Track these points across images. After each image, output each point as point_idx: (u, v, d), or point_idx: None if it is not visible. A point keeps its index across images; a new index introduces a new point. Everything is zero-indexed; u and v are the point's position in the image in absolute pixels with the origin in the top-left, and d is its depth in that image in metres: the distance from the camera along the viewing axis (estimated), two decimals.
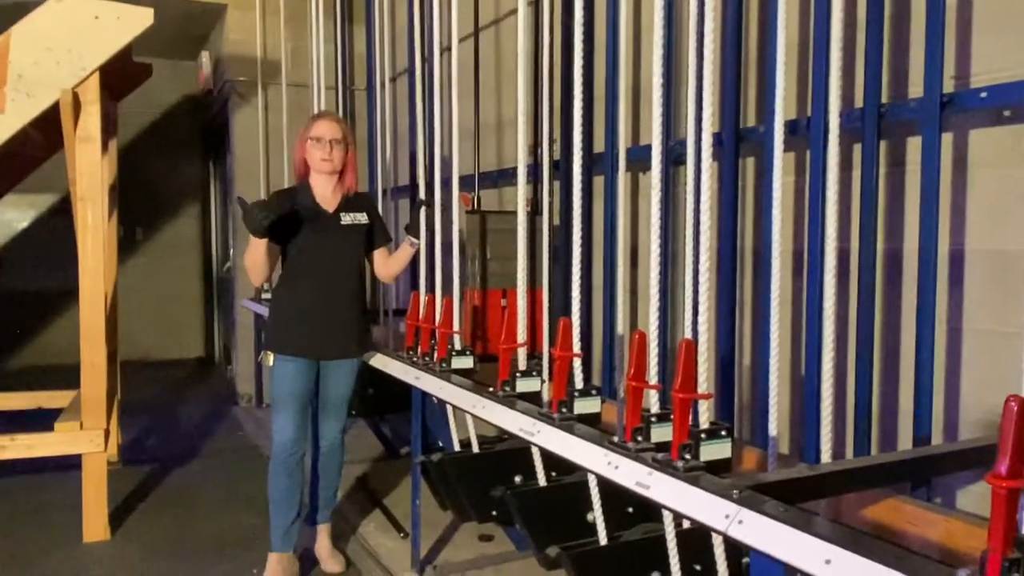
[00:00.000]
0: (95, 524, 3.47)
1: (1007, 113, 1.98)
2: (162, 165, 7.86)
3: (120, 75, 4.10)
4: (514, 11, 2.48)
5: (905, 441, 2.20)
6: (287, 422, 2.93)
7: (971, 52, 2.07)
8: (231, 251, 6.59)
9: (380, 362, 3.11)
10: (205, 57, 6.70)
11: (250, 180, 5.95)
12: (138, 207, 7.58)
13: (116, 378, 4.39)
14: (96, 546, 3.42)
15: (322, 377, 3.05)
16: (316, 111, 4.66)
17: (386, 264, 3.13)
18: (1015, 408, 1.09)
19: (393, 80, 4.91)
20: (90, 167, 3.53)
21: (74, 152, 3.52)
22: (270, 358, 2.96)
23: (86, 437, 3.48)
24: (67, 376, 4.18)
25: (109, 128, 4.32)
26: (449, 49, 2.82)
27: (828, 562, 1.22)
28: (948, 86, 2.06)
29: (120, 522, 3.65)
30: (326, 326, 2.96)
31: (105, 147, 3.86)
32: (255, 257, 2.79)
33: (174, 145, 7.91)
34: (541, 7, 3.31)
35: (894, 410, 2.26)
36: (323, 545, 3.18)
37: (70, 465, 3.65)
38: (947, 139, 2.09)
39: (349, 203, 3.02)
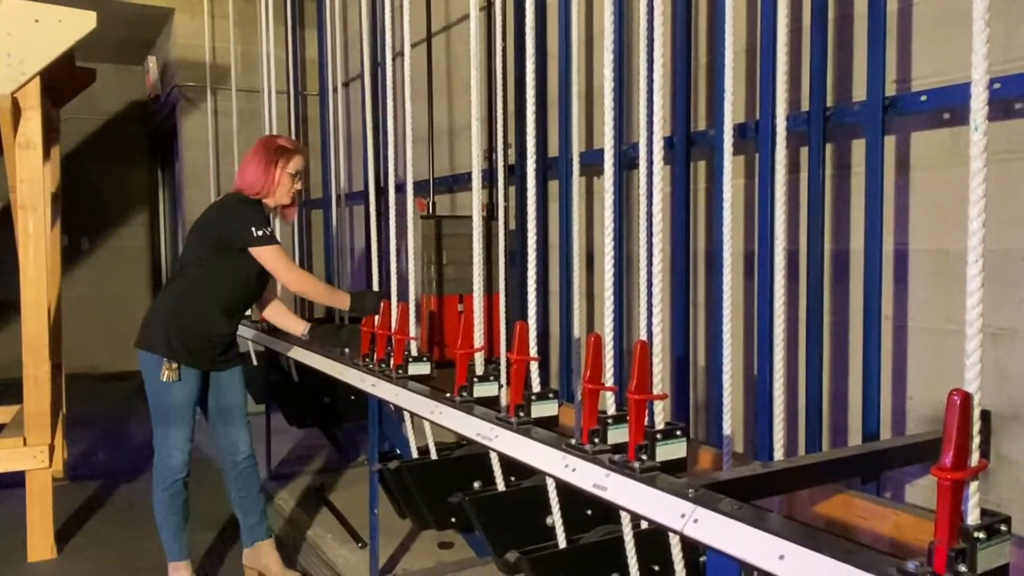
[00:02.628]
0: (40, 542, 3.37)
1: (947, 115, 2.04)
2: (108, 172, 7.67)
3: (62, 80, 3.99)
4: (466, 16, 2.48)
5: (855, 437, 2.25)
6: (182, 440, 2.81)
7: (912, 56, 2.13)
8: None
9: (336, 370, 3.07)
10: (152, 62, 6.56)
11: (199, 187, 5.84)
12: (83, 216, 7.38)
13: (61, 391, 4.26)
14: (42, 565, 3.32)
15: (217, 388, 2.95)
16: (269, 118, 4.61)
17: (275, 308, 3.16)
18: (958, 401, 1.12)
19: (346, 85, 4.88)
20: (31, 174, 3.42)
21: (14, 159, 3.42)
22: (176, 372, 2.76)
23: (29, 453, 3.37)
24: (9, 390, 4.04)
25: (51, 134, 4.21)
26: (402, 54, 2.81)
27: (782, 558, 1.24)
28: (890, 89, 2.11)
29: (67, 540, 3.54)
30: (230, 338, 2.94)
31: (47, 154, 3.76)
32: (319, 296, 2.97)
33: (121, 152, 7.73)
34: (493, 12, 3.32)
35: (844, 407, 2.31)
36: (274, 560, 3.06)
37: (13, 482, 3.53)
38: (890, 141, 2.15)
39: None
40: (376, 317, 2.88)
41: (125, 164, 7.79)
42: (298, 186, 2.92)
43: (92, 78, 4.51)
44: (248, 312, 3.40)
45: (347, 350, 3.12)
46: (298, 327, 3.10)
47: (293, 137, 5.12)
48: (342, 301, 2.87)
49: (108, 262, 7.81)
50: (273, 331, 3.87)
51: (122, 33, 6.31)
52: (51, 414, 3.49)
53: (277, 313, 3.15)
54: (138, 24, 6.20)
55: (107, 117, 7.63)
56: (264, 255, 2.75)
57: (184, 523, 2.92)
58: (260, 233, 2.73)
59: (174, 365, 2.76)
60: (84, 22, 3.44)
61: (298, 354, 3.46)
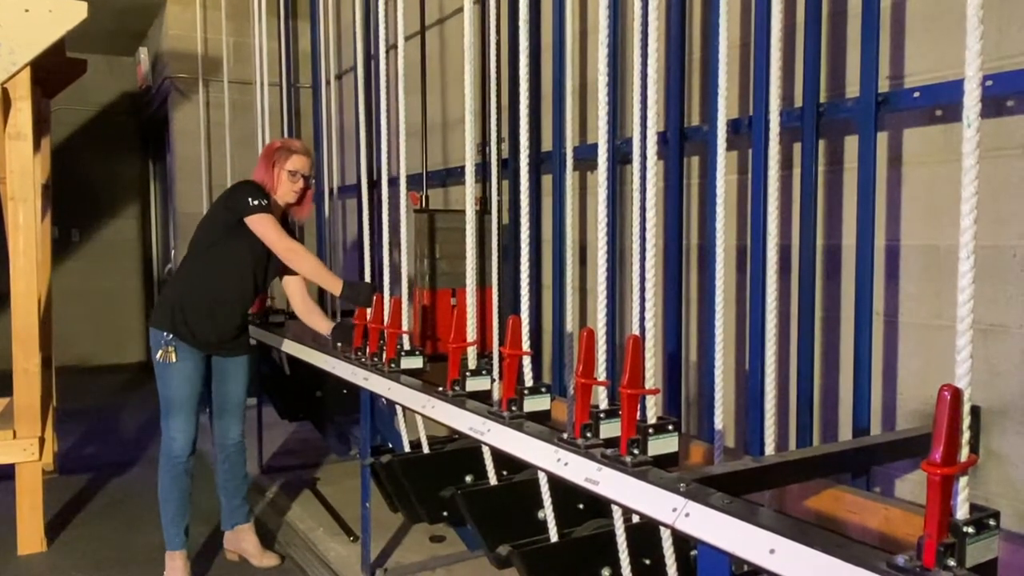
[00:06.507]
0: (30, 535, 3.36)
1: (939, 112, 2.05)
2: (99, 164, 7.62)
3: (53, 71, 3.96)
4: (460, 9, 2.47)
5: (845, 432, 2.26)
6: (187, 425, 2.90)
7: (905, 53, 2.13)
8: (172, 252, 6.43)
9: (327, 363, 3.06)
10: (143, 53, 6.52)
11: (191, 179, 5.81)
12: (74, 207, 7.34)
13: (51, 384, 4.24)
14: (31, 558, 3.30)
15: (221, 375, 3.06)
16: (261, 110, 4.58)
17: (305, 303, 3.19)
18: (948, 397, 1.12)
19: (339, 77, 4.86)
20: (21, 165, 3.40)
21: (4, 150, 3.39)
22: (172, 354, 2.84)
23: (19, 446, 3.36)
24: None
25: (42, 125, 4.18)
26: (395, 47, 2.80)
27: (772, 552, 1.24)
28: (883, 86, 2.12)
29: (57, 533, 3.53)
30: (235, 324, 3.01)
31: (37, 145, 3.73)
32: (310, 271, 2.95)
33: (112, 143, 7.68)
34: (487, 6, 3.31)
35: (835, 402, 2.32)
36: (252, 543, 3.19)
37: (3, 475, 3.52)
38: (883, 138, 2.15)
39: (285, 227, 3.06)
40: (368, 310, 2.88)
41: (116, 156, 7.75)
42: (300, 184, 2.99)
43: (83, 69, 4.47)
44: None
45: (339, 344, 3.12)
46: (324, 326, 3.16)
47: (288, 131, 5.12)
48: (334, 285, 2.91)
49: (99, 254, 7.76)
50: (265, 323, 3.87)
51: (113, 24, 6.27)
52: (41, 407, 3.48)
53: (311, 314, 3.20)
54: (129, 14, 6.16)
55: (98, 108, 7.58)
56: (256, 223, 2.83)
57: (183, 510, 2.96)
58: (255, 203, 2.84)
59: (171, 348, 2.85)
60: (75, 12, 3.42)
61: (289, 347, 3.45)
